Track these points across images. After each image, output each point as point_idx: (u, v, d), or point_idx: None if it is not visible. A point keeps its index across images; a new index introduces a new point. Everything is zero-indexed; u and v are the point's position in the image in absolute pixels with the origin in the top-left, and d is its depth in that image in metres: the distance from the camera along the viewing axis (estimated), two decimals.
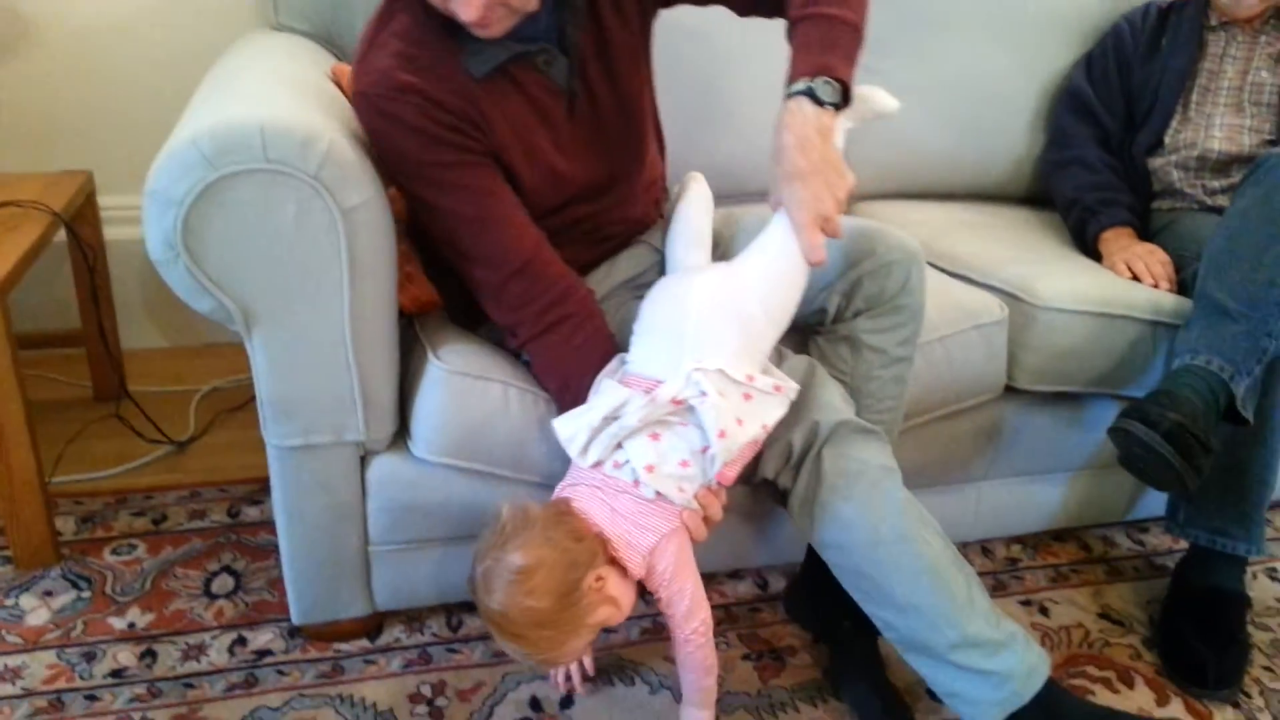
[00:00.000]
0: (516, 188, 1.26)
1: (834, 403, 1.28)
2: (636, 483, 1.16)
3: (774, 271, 1.22)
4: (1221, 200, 1.76)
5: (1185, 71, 1.80)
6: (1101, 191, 1.81)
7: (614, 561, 1.17)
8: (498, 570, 1.12)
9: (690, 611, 1.20)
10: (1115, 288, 1.58)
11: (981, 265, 1.66)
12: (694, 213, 1.40)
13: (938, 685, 1.26)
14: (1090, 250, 1.77)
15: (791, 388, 1.22)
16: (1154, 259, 1.65)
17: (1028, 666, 1.22)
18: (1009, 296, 1.57)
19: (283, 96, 1.20)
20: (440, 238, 1.27)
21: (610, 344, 1.28)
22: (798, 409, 1.26)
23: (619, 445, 1.18)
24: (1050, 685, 1.22)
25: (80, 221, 1.80)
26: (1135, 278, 1.63)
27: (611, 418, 1.17)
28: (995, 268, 1.64)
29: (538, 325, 1.26)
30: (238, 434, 1.92)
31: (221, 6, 1.97)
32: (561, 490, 1.22)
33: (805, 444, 1.26)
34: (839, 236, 1.20)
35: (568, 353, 1.27)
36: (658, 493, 1.16)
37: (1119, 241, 1.73)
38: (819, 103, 1.17)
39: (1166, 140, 1.81)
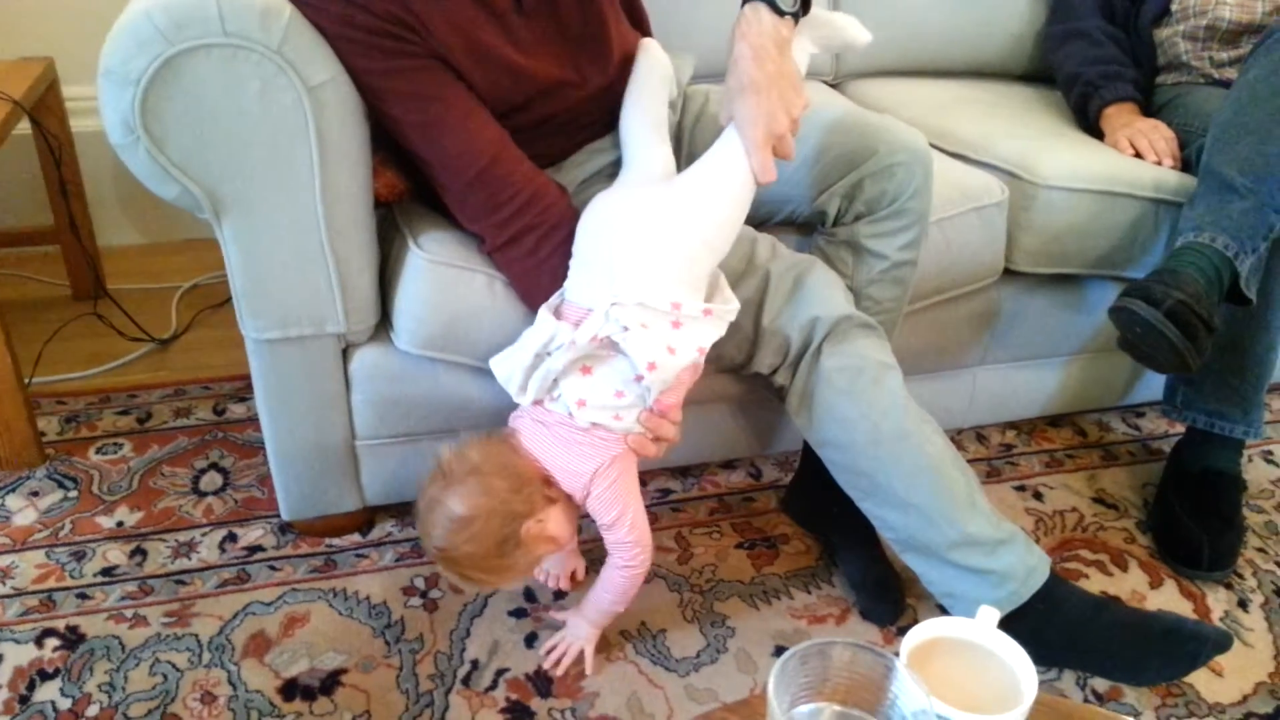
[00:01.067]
0: (472, 89, 1.18)
1: (833, 298, 1.24)
2: (572, 416, 1.14)
3: (717, 193, 1.15)
4: (1229, 73, 1.69)
5: None
6: (1104, 65, 1.74)
7: (554, 497, 1.16)
8: (438, 514, 1.11)
9: (632, 540, 1.18)
10: (1117, 165, 1.52)
11: (979, 143, 1.60)
12: (645, 95, 1.32)
13: (934, 586, 1.26)
14: (1093, 127, 1.71)
15: (726, 310, 1.16)
16: (1158, 134, 1.59)
17: (1027, 567, 1.21)
18: (1007, 175, 1.52)
19: None
20: (397, 142, 1.20)
21: None
22: (797, 304, 1.23)
23: (555, 381, 1.15)
24: (1050, 582, 1.22)
25: (43, 112, 1.73)
26: (1138, 154, 1.57)
27: (543, 354, 1.14)
28: (993, 145, 1.58)
29: (500, 236, 1.20)
30: (221, 331, 1.88)
31: None
32: (512, 418, 1.21)
33: (804, 340, 1.23)
34: (790, 158, 1.14)
35: (530, 266, 1.21)
36: (593, 424, 1.14)
37: (1122, 117, 1.67)
38: (778, 12, 1.12)
39: (1174, 8, 1.73)
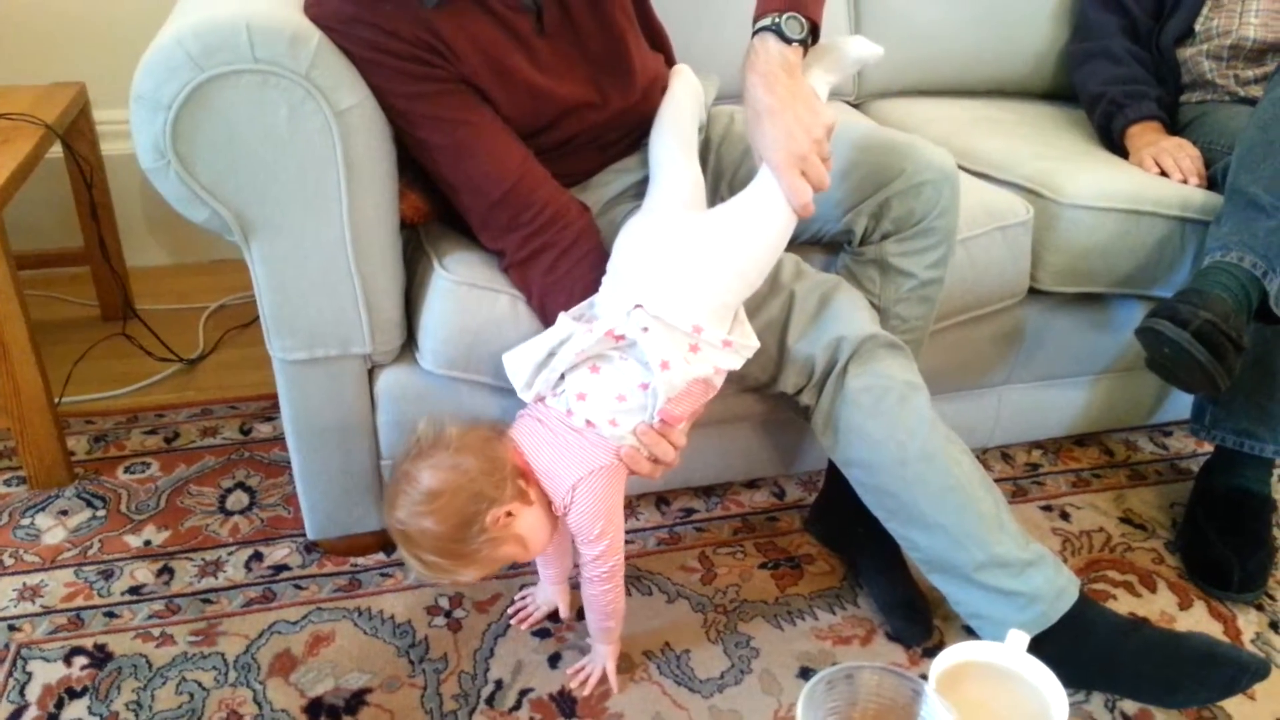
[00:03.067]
0: (497, 111, 1.19)
1: (859, 318, 1.24)
2: (570, 412, 1.13)
3: (754, 225, 1.15)
4: (1255, 90, 1.68)
5: None
6: (1128, 85, 1.73)
7: (531, 498, 1.14)
8: (404, 486, 1.10)
9: (601, 553, 1.16)
10: (1142, 183, 1.52)
11: (1003, 162, 1.60)
12: (677, 116, 1.32)
13: (961, 607, 1.25)
14: (1117, 146, 1.70)
15: (745, 345, 1.16)
16: (1183, 153, 1.58)
17: (1056, 588, 1.20)
18: (1032, 194, 1.52)
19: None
20: (422, 166, 1.22)
21: (592, 276, 1.21)
22: (822, 324, 1.22)
23: (561, 378, 1.14)
24: (1079, 604, 1.21)
25: (75, 136, 1.75)
26: (1163, 173, 1.57)
27: (556, 351, 1.14)
28: (1017, 164, 1.58)
29: (520, 252, 1.21)
30: (247, 351, 1.90)
31: None
32: (517, 417, 1.20)
33: (829, 360, 1.22)
34: (824, 186, 1.13)
35: (549, 283, 1.21)
36: (588, 421, 1.13)
37: (1146, 136, 1.66)
38: (785, 39, 1.12)
39: (1198, 28, 1.73)
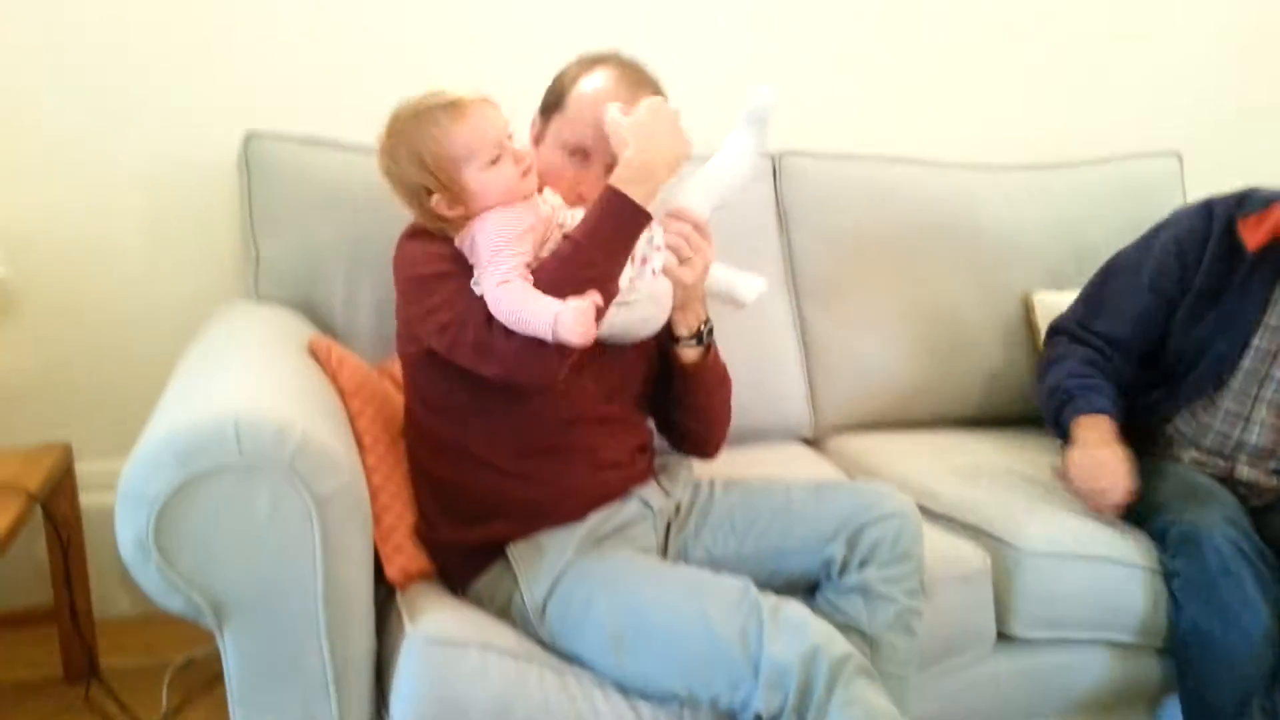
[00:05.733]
0: None
1: (832, 633, 1.21)
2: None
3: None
4: (1221, 468, 1.68)
5: (1240, 341, 1.66)
6: (1082, 379, 1.73)
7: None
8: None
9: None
10: (1101, 529, 1.58)
11: (964, 504, 1.66)
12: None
13: None
14: (1066, 437, 1.69)
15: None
16: (1102, 479, 1.58)
17: None
18: (995, 539, 1.57)
19: (256, 385, 1.22)
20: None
21: None
22: (792, 629, 1.19)
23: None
24: None
25: (56, 496, 1.78)
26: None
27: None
28: (978, 506, 1.64)
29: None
30: (211, 714, 1.84)
31: (203, 275, 2.01)
32: None
33: (806, 678, 1.16)
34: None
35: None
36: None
37: (1088, 433, 1.64)
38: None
39: (1198, 420, 1.71)
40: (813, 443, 2.03)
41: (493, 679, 1.23)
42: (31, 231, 1.91)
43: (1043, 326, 1.97)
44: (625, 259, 1.25)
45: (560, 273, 1.22)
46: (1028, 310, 2.08)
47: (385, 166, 1.29)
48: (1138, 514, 1.61)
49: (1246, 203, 1.67)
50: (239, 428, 1.08)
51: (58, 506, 1.79)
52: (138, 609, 2.16)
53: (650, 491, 1.45)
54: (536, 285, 1.21)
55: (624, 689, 1.24)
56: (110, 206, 1.94)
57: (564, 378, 1.26)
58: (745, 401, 1.89)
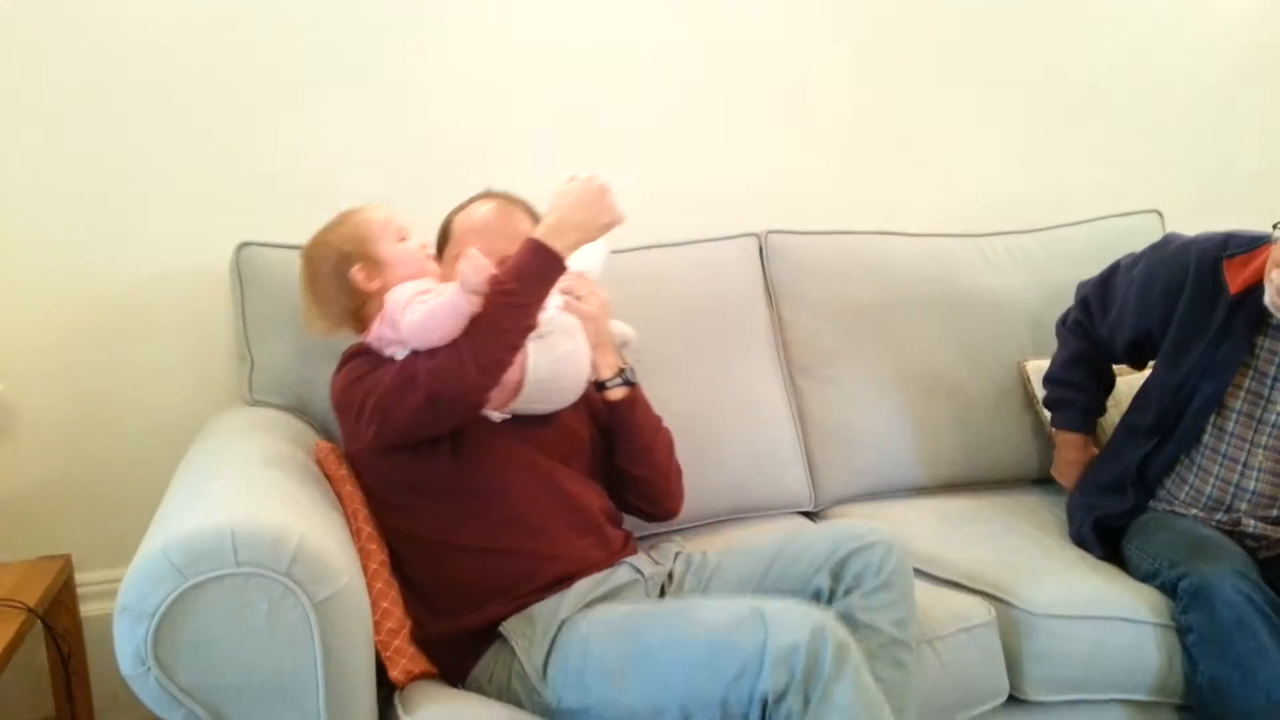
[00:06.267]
0: None
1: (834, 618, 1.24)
2: None
3: None
4: (1224, 521, 1.69)
5: (1223, 386, 1.66)
6: (1060, 389, 1.91)
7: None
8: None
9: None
10: (1107, 589, 1.58)
11: (970, 569, 1.66)
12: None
13: None
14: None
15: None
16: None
17: None
18: (1003, 603, 1.57)
19: (252, 492, 1.23)
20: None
21: None
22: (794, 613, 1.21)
23: None
24: None
25: (56, 609, 1.78)
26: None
27: None
28: (984, 571, 1.64)
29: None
30: None
31: (198, 381, 2.02)
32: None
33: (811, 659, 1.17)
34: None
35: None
36: None
37: (1061, 451, 1.86)
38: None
39: (1194, 468, 1.71)
40: (814, 515, 2.02)
41: None
42: (27, 345, 1.93)
43: (1038, 394, 2.04)
44: (541, 293, 1.38)
45: (493, 314, 1.36)
46: (1023, 381, 2.10)
47: (310, 257, 1.52)
48: (1147, 569, 1.62)
49: (1230, 244, 1.68)
50: (235, 536, 1.09)
51: (58, 619, 1.78)
52: (143, 716, 2.14)
53: (640, 560, 1.50)
54: None
55: None
56: (105, 316, 1.97)
57: (496, 411, 1.42)
58: (744, 477, 1.92)
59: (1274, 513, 1.66)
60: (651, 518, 1.66)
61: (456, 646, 1.39)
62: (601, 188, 1.43)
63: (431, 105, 2.07)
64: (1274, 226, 1.58)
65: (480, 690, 1.37)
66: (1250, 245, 1.66)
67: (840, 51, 2.31)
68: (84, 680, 1.87)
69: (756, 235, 2.09)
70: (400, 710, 1.27)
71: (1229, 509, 1.68)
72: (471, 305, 1.34)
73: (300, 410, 1.73)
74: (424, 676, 1.37)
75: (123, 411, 2.01)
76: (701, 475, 1.86)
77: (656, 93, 2.20)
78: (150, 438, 2.02)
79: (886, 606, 1.34)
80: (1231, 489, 1.68)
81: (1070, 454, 1.92)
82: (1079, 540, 1.77)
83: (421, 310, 1.37)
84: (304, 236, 1.60)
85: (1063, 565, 1.67)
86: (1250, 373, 1.65)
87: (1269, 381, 1.64)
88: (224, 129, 1.96)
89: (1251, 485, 1.66)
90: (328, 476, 1.47)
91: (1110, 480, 1.79)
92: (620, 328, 1.64)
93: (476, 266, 1.34)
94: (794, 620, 1.18)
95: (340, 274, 1.48)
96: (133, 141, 1.92)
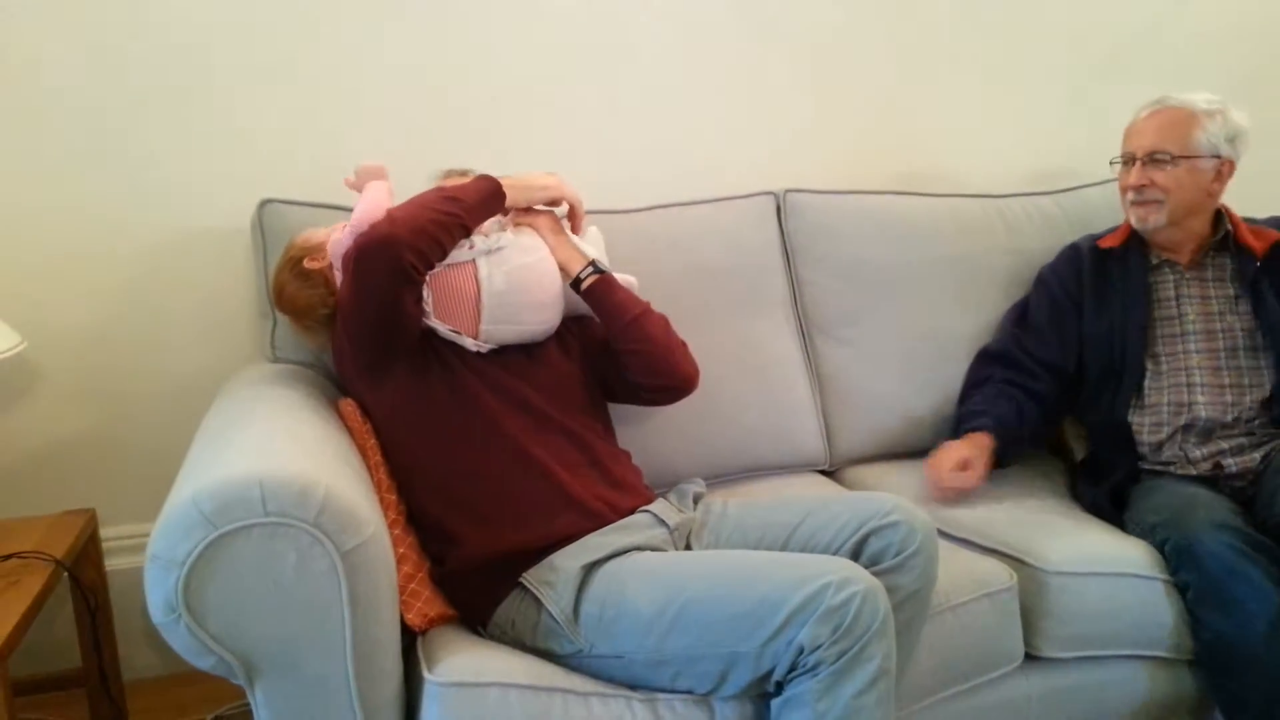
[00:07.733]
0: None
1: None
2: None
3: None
4: (1204, 468, 1.76)
5: (1144, 321, 1.85)
6: (968, 406, 1.94)
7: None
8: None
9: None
10: (1118, 545, 1.59)
11: (981, 528, 1.67)
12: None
13: None
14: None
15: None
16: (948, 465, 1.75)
17: None
18: (1015, 561, 1.58)
19: (279, 444, 1.24)
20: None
21: None
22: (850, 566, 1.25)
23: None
24: None
25: (83, 562, 1.80)
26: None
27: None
28: (996, 530, 1.65)
29: None
30: None
31: (221, 340, 2.04)
32: None
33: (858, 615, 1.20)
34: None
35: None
36: None
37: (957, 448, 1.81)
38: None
39: (1148, 401, 1.84)
40: (829, 473, 2.04)
41: (515, 715, 1.24)
42: (51, 301, 1.95)
43: None
44: (473, 199, 1.49)
45: (422, 198, 1.48)
46: None
47: (276, 285, 1.65)
48: (1139, 537, 1.65)
49: (1097, 235, 2.00)
50: (264, 487, 1.10)
51: (84, 572, 1.81)
52: (166, 669, 2.18)
53: (661, 507, 1.50)
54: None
55: (658, 688, 1.29)
56: (128, 274, 1.98)
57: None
58: (760, 435, 1.93)
59: (1238, 437, 1.74)
60: (670, 392, 1.64)
61: (475, 585, 1.41)
62: (552, 174, 1.65)
63: (449, 61, 2.06)
64: (1110, 163, 1.92)
65: (504, 637, 1.39)
66: (1113, 228, 1.98)
67: (863, 8, 2.29)
68: (110, 633, 1.90)
69: (775, 194, 2.08)
70: (423, 660, 1.29)
71: (1197, 431, 1.76)
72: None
73: (322, 367, 1.74)
74: (441, 620, 1.39)
75: (146, 369, 2.03)
76: (718, 433, 1.88)
77: (676, 51, 2.19)
78: (173, 395, 2.04)
79: (903, 587, 1.34)
80: (1185, 408, 1.78)
81: (964, 449, 1.81)
82: (1095, 509, 1.78)
83: (356, 211, 1.50)
84: (324, 194, 1.61)
85: (1074, 525, 1.68)
86: (1156, 305, 1.86)
87: (1173, 305, 1.85)
88: (245, 87, 1.96)
89: (1200, 398, 1.78)
90: (350, 431, 1.49)
91: (1098, 440, 1.87)
92: (625, 279, 1.67)
93: (369, 166, 1.56)
94: (848, 576, 1.21)
95: (300, 274, 1.59)
96: (154, 101, 1.92)
